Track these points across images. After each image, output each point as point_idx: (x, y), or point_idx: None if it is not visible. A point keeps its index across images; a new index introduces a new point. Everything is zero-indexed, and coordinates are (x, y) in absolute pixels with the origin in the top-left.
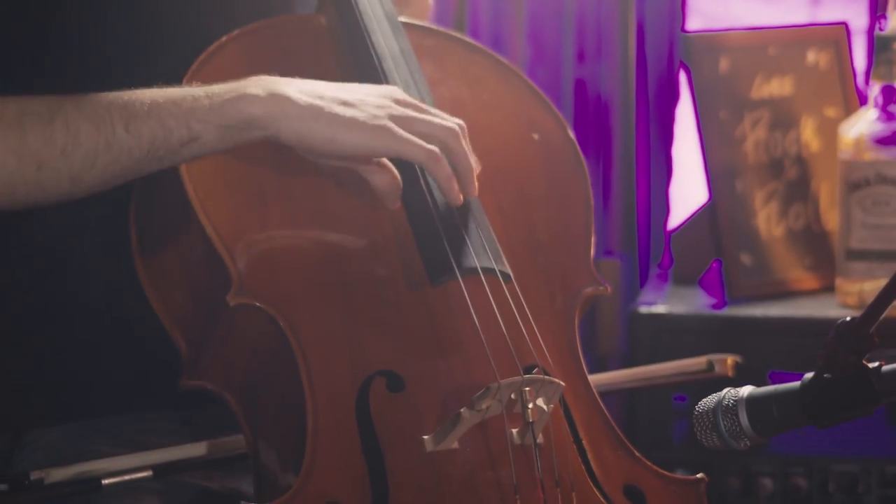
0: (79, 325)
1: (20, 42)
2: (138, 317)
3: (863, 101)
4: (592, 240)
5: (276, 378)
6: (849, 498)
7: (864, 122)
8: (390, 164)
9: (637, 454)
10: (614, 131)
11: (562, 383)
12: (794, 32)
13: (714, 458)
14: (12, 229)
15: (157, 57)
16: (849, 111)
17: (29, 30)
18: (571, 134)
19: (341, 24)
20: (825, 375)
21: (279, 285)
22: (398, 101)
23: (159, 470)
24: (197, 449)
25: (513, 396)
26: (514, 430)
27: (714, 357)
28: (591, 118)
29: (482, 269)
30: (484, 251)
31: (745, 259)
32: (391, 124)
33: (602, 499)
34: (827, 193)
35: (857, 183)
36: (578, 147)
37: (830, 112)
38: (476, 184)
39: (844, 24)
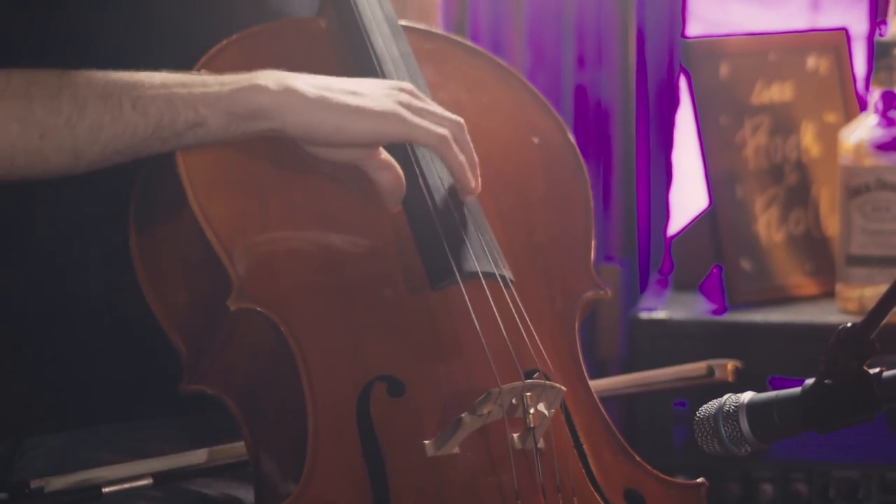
0: (79, 329)
1: (20, 45)
2: (139, 320)
3: (863, 106)
4: (592, 243)
5: (277, 382)
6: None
7: (865, 128)
8: (395, 163)
9: (637, 458)
10: (614, 137)
11: (563, 388)
12: (795, 38)
13: (714, 464)
14: (12, 232)
15: (156, 61)
16: (849, 117)
17: (28, 33)
18: (571, 137)
19: (341, 28)
20: (826, 381)
21: (280, 290)
22: (406, 91)
23: (159, 478)
24: (197, 456)
25: (514, 401)
26: (515, 435)
27: (714, 362)
28: (591, 124)
29: (483, 273)
30: (485, 255)
31: (746, 265)
32: (400, 109)
33: (603, 503)
34: (827, 199)
35: (857, 188)
36: (578, 150)
37: (830, 118)
38: (479, 180)
39: (844, 30)
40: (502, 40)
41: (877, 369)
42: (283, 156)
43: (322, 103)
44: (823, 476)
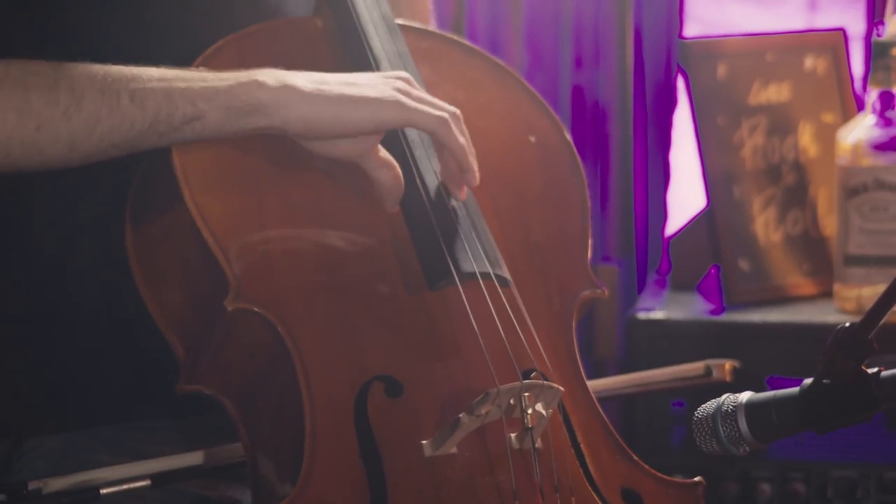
0: (77, 331)
1: (18, 44)
2: (138, 322)
3: (860, 106)
4: (589, 242)
5: (274, 382)
6: (847, 503)
7: (862, 128)
8: (394, 162)
9: (635, 458)
10: (612, 137)
11: (561, 388)
12: (792, 38)
13: (713, 464)
14: (11, 233)
15: (155, 60)
16: (846, 117)
17: (27, 31)
18: (568, 136)
19: (338, 27)
20: (824, 381)
21: (277, 290)
22: (403, 79)
23: (157, 479)
24: (195, 458)
25: (512, 402)
26: (513, 435)
27: (712, 362)
28: (588, 124)
29: (480, 274)
30: (482, 256)
31: (744, 265)
32: (399, 95)
33: (600, 503)
34: (825, 199)
35: (854, 189)
36: (575, 149)
37: (828, 118)
38: (477, 172)
39: (842, 30)
40: (500, 40)
41: (875, 369)
42: (280, 155)
43: (319, 96)
44: (822, 476)
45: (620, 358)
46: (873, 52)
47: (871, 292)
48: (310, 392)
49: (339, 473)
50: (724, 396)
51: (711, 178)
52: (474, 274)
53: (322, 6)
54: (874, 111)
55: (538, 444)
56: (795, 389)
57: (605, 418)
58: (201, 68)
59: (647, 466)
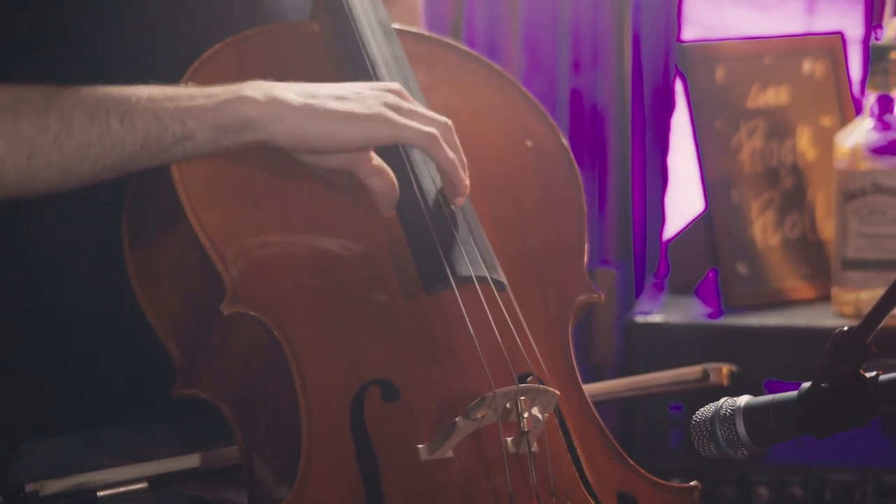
0: (75, 334)
1: (18, 46)
2: (135, 325)
3: (859, 110)
4: (586, 247)
5: (271, 386)
6: None
7: (860, 132)
8: (388, 169)
9: (631, 462)
10: (610, 141)
11: (557, 392)
12: (790, 42)
13: (710, 467)
14: (9, 237)
15: (150, 65)
16: (845, 121)
17: (26, 33)
18: (565, 141)
19: (335, 31)
20: (822, 385)
21: (273, 294)
22: (394, 92)
23: (154, 482)
24: (192, 461)
25: (508, 406)
26: (509, 439)
27: (709, 366)
28: (586, 128)
29: (477, 277)
30: (478, 260)
31: (742, 268)
32: (387, 111)
33: None
34: (823, 203)
35: (853, 192)
36: (572, 154)
37: (826, 121)
38: (468, 181)
39: (840, 34)
40: (498, 44)
41: (873, 373)
42: (276, 162)
43: (308, 111)
44: (819, 479)
45: (618, 361)
46: (871, 55)
47: (869, 296)
48: (306, 396)
49: (335, 477)
50: (722, 400)
51: (710, 182)
52: (471, 278)
53: (319, 10)
54: (872, 115)
55: (534, 447)
56: (794, 393)
57: (601, 422)
58: (199, 73)
59: (643, 470)
